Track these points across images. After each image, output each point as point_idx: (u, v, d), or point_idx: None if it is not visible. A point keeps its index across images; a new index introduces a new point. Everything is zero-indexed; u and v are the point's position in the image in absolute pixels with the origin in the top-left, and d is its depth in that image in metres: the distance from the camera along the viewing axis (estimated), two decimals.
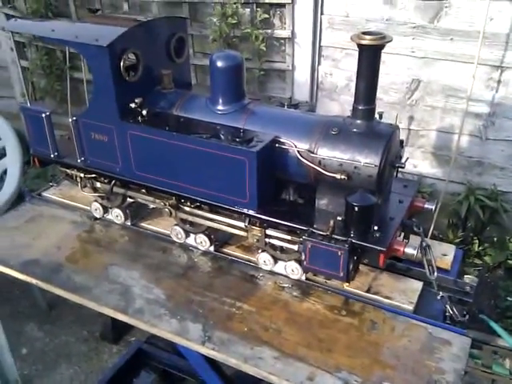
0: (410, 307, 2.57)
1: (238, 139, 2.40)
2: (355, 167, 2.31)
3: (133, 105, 2.62)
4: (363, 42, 2.16)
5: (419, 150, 5.03)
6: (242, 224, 2.66)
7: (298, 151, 2.41)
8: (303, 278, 2.71)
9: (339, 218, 2.36)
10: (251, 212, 2.50)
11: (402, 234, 2.62)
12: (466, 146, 4.78)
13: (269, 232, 2.58)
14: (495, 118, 4.53)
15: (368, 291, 2.67)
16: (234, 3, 4.90)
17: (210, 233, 2.92)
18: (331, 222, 2.31)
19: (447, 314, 2.56)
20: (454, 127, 4.69)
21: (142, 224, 3.24)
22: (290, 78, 5.24)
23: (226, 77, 2.56)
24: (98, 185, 3.11)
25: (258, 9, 5.01)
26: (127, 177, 2.83)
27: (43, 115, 2.88)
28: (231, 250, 2.99)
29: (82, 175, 3.07)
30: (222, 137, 2.47)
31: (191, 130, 2.54)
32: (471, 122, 4.62)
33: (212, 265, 2.90)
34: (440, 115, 4.76)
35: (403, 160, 2.50)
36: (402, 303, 2.59)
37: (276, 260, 2.75)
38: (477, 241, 4.88)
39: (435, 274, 2.55)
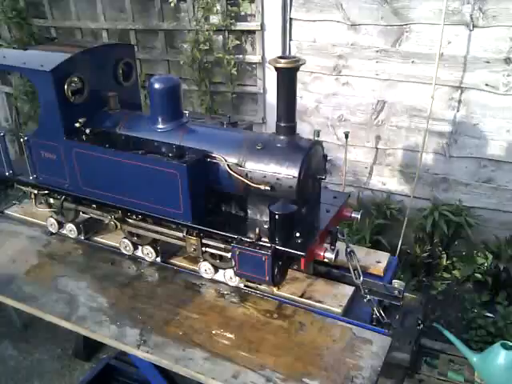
0: (339, 310, 2.73)
1: (170, 154, 2.59)
2: (277, 179, 2.50)
3: (77, 124, 2.81)
4: (279, 66, 2.38)
5: (387, 168, 5.22)
6: (180, 234, 2.83)
7: (228, 165, 2.60)
8: (241, 284, 2.88)
9: (266, 226, 2.54)
10: (187, 223, 2.67)
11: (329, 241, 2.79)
12: (431, 164, 4.96)
13: (205, 241, 2.75)
14: (458, 136, 4.71)
15: (302, 296, 2.83)
16: (207, 30, 5.15)
17: (156, 244, 3.08)
18: (257, 230, 2.49)
19: (374, 315, 2.73)
20: (418, 146, 4.89)
21: (96, 238, 3.40)
22: (262, 100, 5.47)
23: (164, 97, 2.77)
24: (52, 201, 3.27)
25: (230, 35, 5.28)
26: (75, 192, 3.00)
27: None
28: (177, 261, 3.15)
29: (35, 192, 3.24)
30: (158, 152, 2.66)
31: (131, 147, 2.73)
32: (435, 140, 4.82)
33: (158, 275, 3.06)
34: (405, 134, 4.96)
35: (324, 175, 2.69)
36: (332, 306, 2.75)
37: (216, 268, 2.92)
38: (445, 255, 5.01)
39: (361, 278, 2.73)
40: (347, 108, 5.14)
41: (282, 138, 2.57)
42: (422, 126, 4.77)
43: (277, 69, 2.41)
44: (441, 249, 5.02)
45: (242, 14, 5.18)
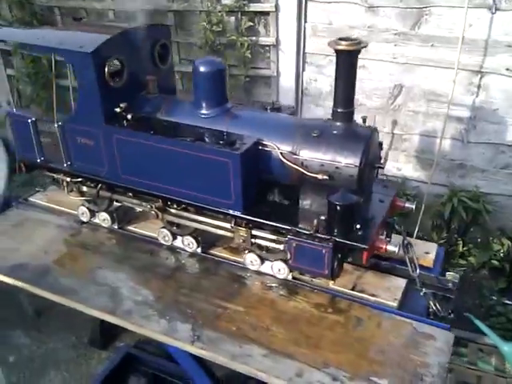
0: (395, 304, 2.62)
1: (221, 142, 2.44)
2: (336, 167, 2.36)
3: (118, 109, 2.65)
4: (340, 48, 2.23)
5: (403, 154, 5.10)
6: (227, 225, 2.69)
7: (281, 153, 2.46)
8: (289, 277, 2.75)
9: (322, 218, 2.40)
10: (237, 213, 2.54)
11: (385, 233, 2.67)
12: (448, 150, 4.85)
13: (255, 232, 2.62)
14: (476, 121, 4.60)
15: (353, 289, 2.71)
16: (219, 12, 4.97)
17: (196, 235, 2.95)
18: (315, 222, 2.35)
19: (430, 309, 2.62)
20: (436, 131, 4.75)
21: (129, 227, 3.26)
22: (276, 84, 5.31)
23: (209, 82, 2.61)
24: (85, 189, 3.12)
25: (243, 17, 5.09)
26: (113, 180, 2.85)
27: (29, 121, 2.90)
28: (218, 252, 3.02)
29: (68, 179, 3.08)
30: (206, 140, 2.51)
31: (176, 134, 2.57)
32: (453, 126, 4.69)
33: (199, 266, 2.93)
34: (422, 119, 4.82)
35: (382, 161, 2.56)
36: (387, 300, 2.64)
37: (263, 260, 2.79)
38: (461, 242, 4.93)
39: (417, 270, 2.62)
40: (363, 92, 4.99)
41: (338, 124, 2.42)
42: (440, 111, 4.63)
43: (337, 51, 2.26)
44: (456, 236, 4.96)
45: None
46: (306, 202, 2.57)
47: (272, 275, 2.79)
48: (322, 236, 2.32)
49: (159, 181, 2.71)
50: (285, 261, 2.70)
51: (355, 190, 2.36)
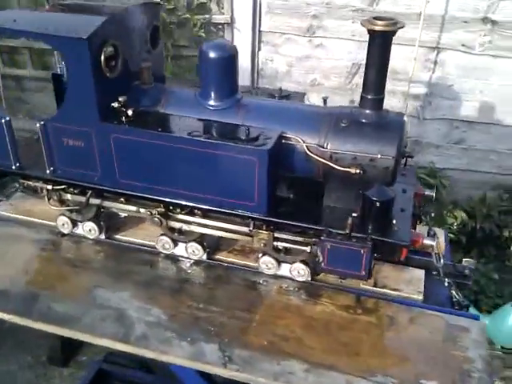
0: (420, 297, 2.54)
1: (243, 137, 2.18)
2: (371, 160, 2.19)
3: (115, 104, 2.29)
4: (375, 28, 2.04)
5: None
6: (244, 229, 2.46)
7: (307, 146, 2.25)
8: (309, 278, 2.58)
9: (355, 214, 2.24)
10: (260, 215, 2.31)
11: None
12: None
13: (277, 235, 2.41)
14: (432, 98, 4.66)
15: (375, 285, 2.60)
16: None
17: (202, 240, 2.69)
18: (349, 220, 2.18)
19: (454, 299, 2.56)
20: (394, 109, 4.79)
21: (118, 236, 2.93)
22: None
23: (220, 69, 2.33)
24: (68, 197, 2.74)
25: None
26: (108, 186, 2.51)
27: (3, 121, 2.46)
28: (224, 256, 2.78)
29: (49, 187, 2.68)
30: (222, 135, 2.24)
31: (187, 129, 2.28)
32: (410, 103, 4.71)
33: (208, 275, 2.67)
34: None
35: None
36: (412, 294, 2.55)
37: (279, 263, 2.59)
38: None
39: (441, 261, 2.54)
40: (321, 72, 4.91)
41: (368, 112, 2.25)
42: (398, 88, 4.65)
43: (371, 31, 2.07)
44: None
45: None
46: (331, 199, 2.39)
47: (290, 278, 2.61)
48: (360, 235, 2.16)
49: (165, 184, 2.41)
50: (305, 262, 2.52)
51: (389, 182, 2.21)
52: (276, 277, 2.63)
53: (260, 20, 4.78)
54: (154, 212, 2.57)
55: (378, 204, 2.13)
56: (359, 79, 4.71)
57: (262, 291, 2.57)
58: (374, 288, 2.58)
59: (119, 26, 2.35)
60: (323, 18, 4.64)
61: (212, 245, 2.77)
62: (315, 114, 2.33)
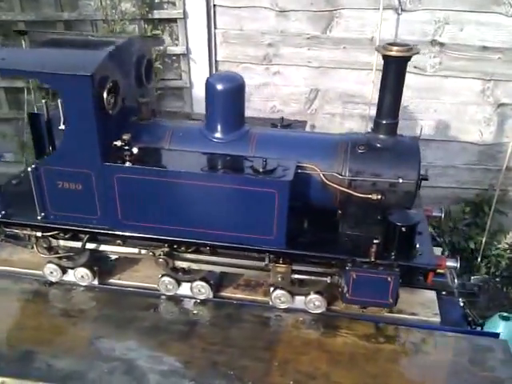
0: (438, 319, 2.49)
1: (260, 169, 2.09)
2: (391, 185, 2.15)
3: (118, 143, 2.14)
4: (391, 54, 2.04)
5: None
6: (259, 263, 2.34)
7: (324, 175, 2.19)
8: (324, 310, 2.49)
9: (376, 241, 2.18)
10: (279, 249, 2.20)
11: None
12: None
13: (295, 267, 2.31)
14: None
15: (391, 311, 2.53)
16: (121, 20, 4.49)
17: (207, 278, 2.54)
18: (373, 247, 2.12)
19: (469, 319, 2.54)
20: (354, 130, 4.69)
21: (112, 280, 2.73)
22: (189, 95, 4.96)
23: (227, 101, 2.23)
24: (60, 243, 2.53)
25: (146, 25, 4.65)
26: (109, 228, 2.33)
27: None
28: (230, 293, 2.65)
29: (38, 234, 2.46)
30: (237, 169, 2.14)
31: (199, 164, 2.16)
32: (366, 124, 4.69)
33: (218, 314, 2.52)
34: (339, 121, 4.85)
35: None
36: (429, 317, 2.50)
37: (293, 295, 2.48)
38: None
39: (456, 281, 2.52)
40: (279, 98, 4.93)
41: (383, 137, 2.22)
42: (355, 111, 4.73)
43: (386, 57, 2.06)
44: None
45: (157, 0, 4.68)
46: (347, 226, 2.32)
47: (303, 310, 2.50)
48: (385, 262, 2.10)
49: (173, 222, 2.25)
50: (320, 293, 2.43)
51: (409, 207, 2.18)
52: (288, 311, 2.51)
53: (216, 50, 4.76)
54: (158, 253, 2.40)
55: (403, 229, 2.08)
56: (317, 104, 4.76)
57: (277, 327, 2.44)
58: (391, 314, 2.51)
59: (118, 61, 2.22)
60: (279, 46, 4.68)
61: (215, 281, 2.62)
62: (329, 142, 2.27)
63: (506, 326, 2.93)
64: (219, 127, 2.27)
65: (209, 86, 2.21)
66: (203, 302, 2.58)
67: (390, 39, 4.32)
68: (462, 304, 2.55)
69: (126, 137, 2.14)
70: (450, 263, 2.23)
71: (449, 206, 4.80)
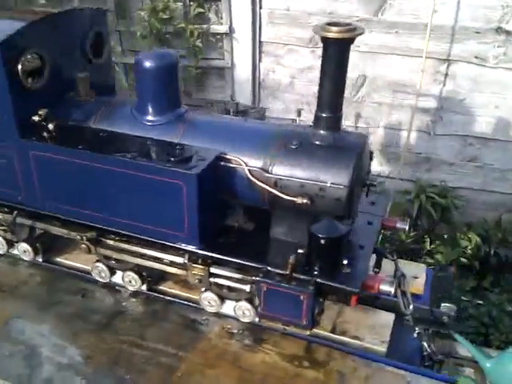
0: (383, 348, 2.16)
1: (173, 158, 1.88)
2: (320, 189, 1.85)
3: (36, 117, 2.04)
4: (329, 35, 1.72)
5: None
6: (179, 259, 2.15)
7: (249, 170, 1.93)
8: (256, 319, 2.24)
9: (300, 251, 1.89)
10: (191, 248, 2.00)
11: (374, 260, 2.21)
12: (414, 143, 4.52)
13: (213, 270, 2.09)
14: (443, 112, 4.30)
15: (333, 331, 2.24)
16: None
17: (140, 269, 2.39)
18: (291, 258, 1.84)
19: (425, 353, 2.19)
20: (401, 123, 4.48)
21: (58, 259, 2.66)
22: (230, 75, 4.81)
23: (157, 80, 2.04)
24: (0, 216, 2.49)
25: (192, 2, 4.55)
26: (32, 207, 2.24)
27: None
28: (168, 287, 2.49)
29: None
30: (153, 155, 1.96)
31: (114, 148, 2.00)
32: (419, 117, 4.38)
33: (144, 309, 2.37)
34: (387, 111, 4.50)
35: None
36: (373, 344, 2.18)
37: (223, 299, 2.27)
38: (428, 239, 4.66)
39: (411, 307, 2.15)
40: None
41: (323, 133, 1.91)
42: (405, 102, 4.35)
43: (325, 39, 1.76)
44: (423, 233, 4.68)
45: None
46: (278, 231, 2.05)
47: (234, 317, 2.28)
48: (301, 277, 1.82)
49: (91, 208, 2.13)
50: (251, 301, 2.19)
51: (342, 215, 1.87)
52: (219, 316, 2.30)
53: (260, 30, 4.59)
54: (83, 237, 2.28)
55: (323, 242, 1.78)
56: (364, 92, 4.45)
57: (199, 332, 2.24)
58: (331, 334, 2.22)
59: (46, 33, 2.11)
60: None
61: (154, 274, 2.46)
62: (262, 133, 2.01)
63: None
64: (149, 109, 2.10)
65: (138, 64, 2.03)
66: (135, 294, 2.44)
67: (448, 25, 3.95)
68: (415, 335, 2.18)
69: (42, 112, 2.03)
70: (386, 287, 1.90)
71: (501, 214, 4.37)
